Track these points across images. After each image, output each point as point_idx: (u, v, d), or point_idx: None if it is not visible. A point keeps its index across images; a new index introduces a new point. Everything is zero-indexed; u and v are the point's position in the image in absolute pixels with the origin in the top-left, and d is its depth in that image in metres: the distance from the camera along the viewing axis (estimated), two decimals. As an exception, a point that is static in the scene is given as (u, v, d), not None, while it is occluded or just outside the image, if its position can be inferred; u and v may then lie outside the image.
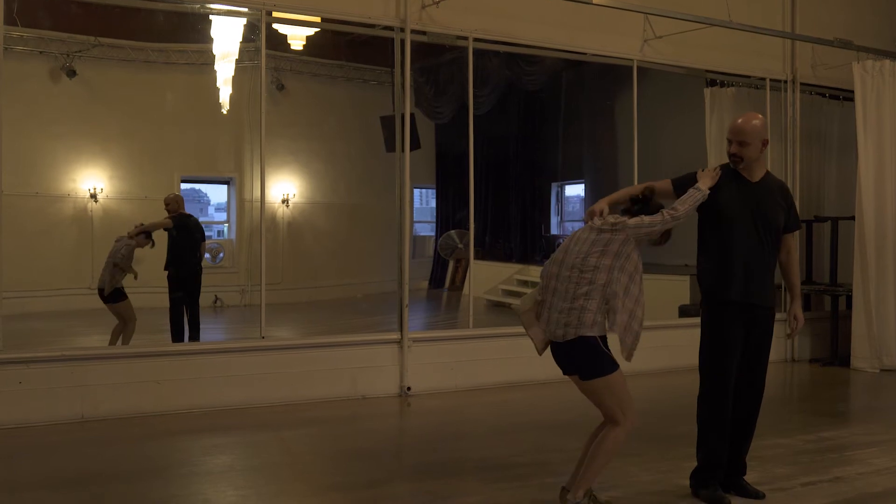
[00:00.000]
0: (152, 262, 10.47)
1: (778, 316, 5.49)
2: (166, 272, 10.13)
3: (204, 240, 10.63)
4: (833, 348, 11.30)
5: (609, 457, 4.76)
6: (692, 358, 5.41)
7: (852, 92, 11.09)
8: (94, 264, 11.87)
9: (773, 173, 5.57)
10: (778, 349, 11.01)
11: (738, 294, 5.23)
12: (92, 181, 15.21)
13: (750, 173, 5.32)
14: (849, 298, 11.25)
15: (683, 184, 5.29)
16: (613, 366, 4.70)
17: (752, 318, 5.30)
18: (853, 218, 11.12)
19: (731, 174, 5.35)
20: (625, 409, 4.71)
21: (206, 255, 10.35)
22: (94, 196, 15.11)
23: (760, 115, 5.41)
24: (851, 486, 5.79)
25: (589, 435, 4.97)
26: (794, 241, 5.56)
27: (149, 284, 10.95)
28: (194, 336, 9.90)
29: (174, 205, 10.28)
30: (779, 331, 5.42)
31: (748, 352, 5.34)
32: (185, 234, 10.12)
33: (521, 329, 4.87)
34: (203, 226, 11.19)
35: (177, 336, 9.81)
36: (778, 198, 5.38)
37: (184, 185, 16.48)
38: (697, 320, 5.45)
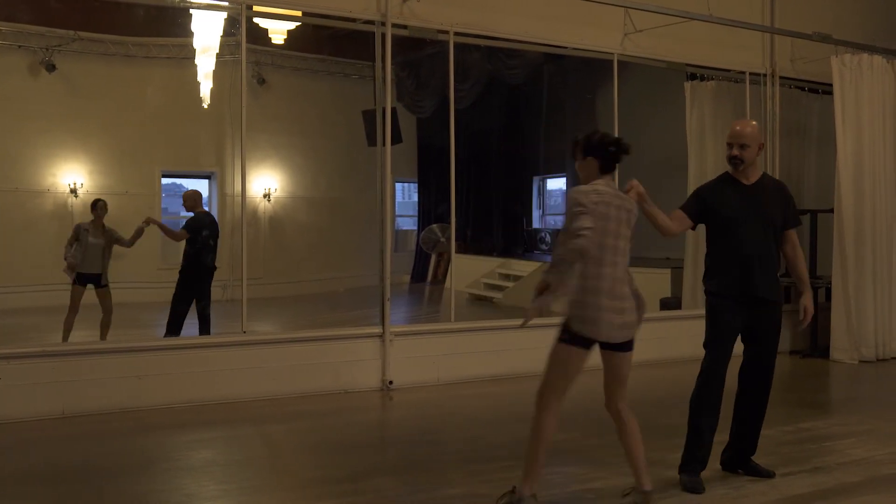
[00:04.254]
0: (137, 257, 10.41)
1: (785, 307, 5.66)
2: (181, 267, 10.04)
3: (218, 236, 10.45)
4: (812, 340, 11.36)
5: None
6: (673, 350, 5.47)
7: (831, 85, 11.16)
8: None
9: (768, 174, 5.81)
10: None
11: (747, 289, 5.46)
12: (72, 176, 15.11)
13: (746, 176, 5.62)
14: (828, 290, 11.32)
15: (690, 205, 5.65)
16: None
17: (759, 312, 5.54)
18: (832, 210, 11.19)
19: (727, 181, 5.68)
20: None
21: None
22: (74, 191, 15.01)
23: (754, 122, 5.83)
24: (830, 475, 5.86)
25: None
26: (796, 236, 5.81)
27: (129, 280, 10.91)
28: (206, 330, 9.84)
29: (190, 202, 10.20)
30: (786, 321, 5.60)
31: (758, 343, 5.59)
32: (207, 231, 10.03)
33: (502, 322, 4.89)
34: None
35: (172, 333, 9.67)
36: (775, 196, 5.68)
37: (164, 180, 16.41)
38: (678, 312, 5.55)
